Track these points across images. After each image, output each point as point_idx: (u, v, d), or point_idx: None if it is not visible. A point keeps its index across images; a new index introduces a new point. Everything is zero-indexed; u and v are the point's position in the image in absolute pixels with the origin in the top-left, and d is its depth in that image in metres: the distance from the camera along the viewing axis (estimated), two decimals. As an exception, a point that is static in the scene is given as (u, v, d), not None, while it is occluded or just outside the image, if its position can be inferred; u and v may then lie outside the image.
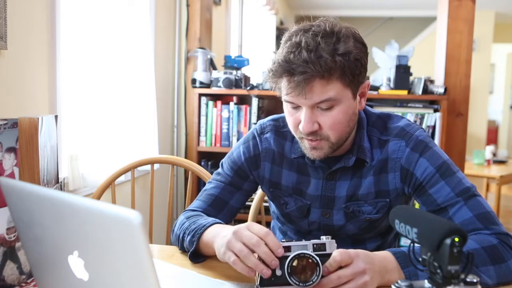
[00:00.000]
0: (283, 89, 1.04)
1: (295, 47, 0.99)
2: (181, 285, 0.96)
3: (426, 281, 0.71)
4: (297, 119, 1.06)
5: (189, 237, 1.08)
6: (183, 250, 1.13)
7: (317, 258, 0.88)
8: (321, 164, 1.15)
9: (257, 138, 1.23)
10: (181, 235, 1.12)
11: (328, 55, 0.97)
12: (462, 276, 0.68)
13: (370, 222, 1.18)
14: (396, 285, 0.70)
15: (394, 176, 1.13)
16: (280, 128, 1.23)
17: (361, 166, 1.15)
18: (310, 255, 0.88)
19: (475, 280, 0.69)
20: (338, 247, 1.18)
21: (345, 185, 1.16)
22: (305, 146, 1.09)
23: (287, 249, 0.90)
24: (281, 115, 1.23)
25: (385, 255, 0.95)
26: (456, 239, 0.67)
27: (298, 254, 0.88)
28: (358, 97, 1.09)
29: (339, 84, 1.01)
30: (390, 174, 1.13)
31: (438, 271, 0.69)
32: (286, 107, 1.09)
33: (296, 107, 1.05)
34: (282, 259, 0.89)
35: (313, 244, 0.91)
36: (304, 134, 1.05)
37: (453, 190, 1.06)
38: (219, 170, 1.27)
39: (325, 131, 1.05)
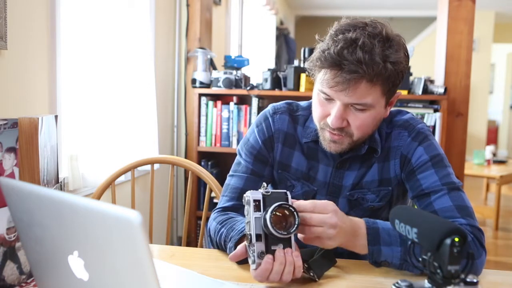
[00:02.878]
0: (324, 79, 1.04)
1: (350, 43, 1.00)
2: (181, 285, 0.96)
3: (426, 281, 0.71)
4: (326, 111, 1.08)
5: (229, 244, 1.07)
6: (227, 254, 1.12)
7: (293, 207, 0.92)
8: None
9: (270, 118, 1.23)
10: (222, 243, 1.11)
11: (381, 60, 0.99)
12: (462, 276, 0.68)
13: (372, 210, 1.19)
14: (396, 285, 0.70)
15: (394, 163, 1.16)
16: (293, 112, 1.23)
17: (370, 156, 1.17)
18: (287, 205, 0.92)
19: (475, 280, 0.69)
20: None
21: (353, 174, 1.18)
22: (325, 137, 1.10)
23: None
24: (293, 101, 1.26)
25: (359, 224, 1.00)
26: (456, 239, 0.67)
27: (279, 205, 0.91)
28: None
29: (379, 90, 1.03)
30: (391, 162, 1.16)
31: (438, 271, 0.69)
32: (318, 97, 1.09)
33: (329, 99, 1.06)
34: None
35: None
36: (330, 128, 1.07)
37: (440, 180, 1.09)
38: (238, 159, 1.24)
39: (351, 129, 1.07)
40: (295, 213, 0.91)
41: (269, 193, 0.94)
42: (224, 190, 1.23)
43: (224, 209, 1.20)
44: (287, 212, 0.91)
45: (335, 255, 1.04)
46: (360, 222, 1.00)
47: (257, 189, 1.19)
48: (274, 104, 1.25)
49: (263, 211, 0.92)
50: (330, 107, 1.06)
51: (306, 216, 0.93)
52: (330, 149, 1.11)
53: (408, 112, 1.22)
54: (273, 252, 0.91)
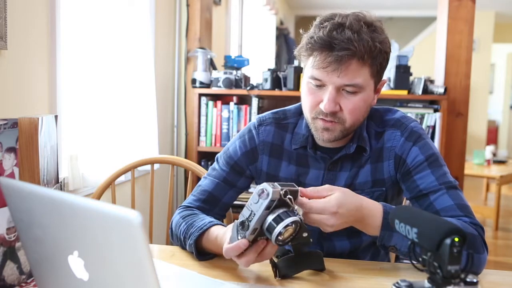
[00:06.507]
0: (315, 62, 1.04)
1: (338, 26, 1.03)
2: (181, 285, 0.96)
3: (426, 281, 0.71)
4: (318, 98, 1.08)
5: (189, 241, 1.09)
6: (185, 250, 1.14)
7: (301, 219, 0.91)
8: (323, 155, 1.16)
9: (254, 130, 1.23)
10: (182, 238, 1.13)
11: (369, 39, 1.02)
12: (462, 276, 0.68)
13: None
14: (396, 285, 0.70)
15: (388, 164, 1.16)
16: (280, 120, 1.23)
17: (360, 155, 1.16)
18: (299, 223, 0.90)
19: (475, 280, 0.69)
20: (333, 239, 1.21)
21: (345, 175, 1.17)
22: (317, 126, 1.10)
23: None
24: (280, 109, 1.25)
25: (373, 208, 1.00)
26: (456, 239, 0.67)
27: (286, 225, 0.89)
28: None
29: (368, 71, 1.05)
30: (385, 162, 1.16)
31: (438, 271, 0.69)
32: (308, 85, 1.09)
33: (320, 86, 1.07)
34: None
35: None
36: (323, 114, 1.07)
37: (437, 180, 1.10)
38: (215, 165, 1.26)
39: (344, 114, 1.07)
40: (299, 227, 0.91)
41: (286, 196, 0.91)
42: (194, 190, 1.25)
43: (188, 207, 1.22)
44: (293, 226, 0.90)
45: (335, 255, 1.04)
46: (376, 206, 1.00)
47: (225, 196, 1.21)
48: (260, 115, 1.25)
49: (271, 211, 0.90)
50: (321, 94, 1.07)
51: (306, 204, 0.94)
52: (323, 137, 1.10)
53: (398, 110, 1.21)
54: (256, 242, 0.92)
